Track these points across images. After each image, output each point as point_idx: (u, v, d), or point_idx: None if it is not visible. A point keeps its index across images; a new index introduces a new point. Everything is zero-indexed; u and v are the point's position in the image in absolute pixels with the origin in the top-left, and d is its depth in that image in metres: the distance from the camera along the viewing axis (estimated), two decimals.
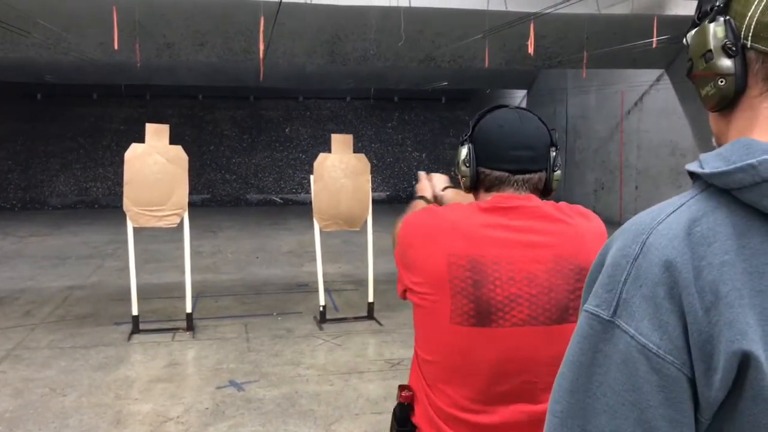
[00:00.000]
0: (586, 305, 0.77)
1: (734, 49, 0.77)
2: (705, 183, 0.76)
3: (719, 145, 0.85)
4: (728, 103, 0.80)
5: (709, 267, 0.70)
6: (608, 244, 0.79)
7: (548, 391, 1.42)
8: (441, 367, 1.47)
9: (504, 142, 1.48)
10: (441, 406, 1.47)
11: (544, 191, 1.52)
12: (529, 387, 1.43)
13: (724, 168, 0.73)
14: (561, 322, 1.40)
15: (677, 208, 0.75)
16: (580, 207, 1.54)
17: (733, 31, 0.78)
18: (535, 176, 1.49)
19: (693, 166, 0.77)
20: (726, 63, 0.78)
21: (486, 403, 1.44)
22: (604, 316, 0.74)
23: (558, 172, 1.53)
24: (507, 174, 1.47)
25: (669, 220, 0.74)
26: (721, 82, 0.78)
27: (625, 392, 0.71)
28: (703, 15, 0.83)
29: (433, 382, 1.49)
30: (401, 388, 1.56)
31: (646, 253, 0.72)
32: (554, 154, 1.51)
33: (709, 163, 0.75)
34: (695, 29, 0.84)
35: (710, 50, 0.79)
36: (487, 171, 1.49)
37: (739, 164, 0.71)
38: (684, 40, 0.90)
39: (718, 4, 0.80)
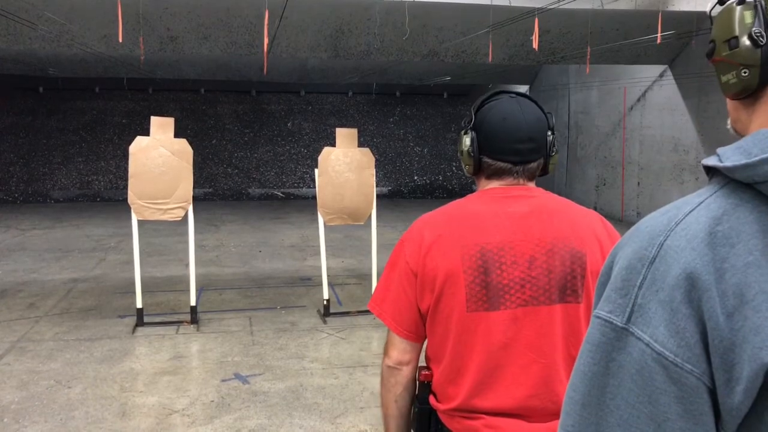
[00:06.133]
0: (597, 310, 0.72)
1: (763, 38, 0.71)
2: (725, 179, 0.70)
3: (735, 130, 0.80)
4: (750, 94, 0.74)
5: (733, 269, 0.65)
6: (620, 244, 0.74)
7: (552, 369, 1.47)
8: (452, 365, 1.52)
9: (507, 135, 1.53)
10: (452, 406, 1.52)
11: (541, 173, 1.63)
12: (536, 367, 1.49)
13: (747, 160, 0.67)
14: (560, 301, 1.49)
15: (695, 207, 0.69)
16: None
17: (763, 15, 0.71)
18: (535, 164, 1.58)
19: (711, 161, 0.71)
20: (752, 52, 0.72)
21: (493, 385, 1.49)
22: (618, 323, 0.69)
23: (555, 156, 1.62)
24: (509, 165, 1.55)
25: (687, 221, 0.69)
26: (744, 72, 0.72)
27: (641, 405, 0.66)
28: None
29: (442, 385, 1.54)
30: (421, 368, 1.60)
31: (663, 257, 0.67)
32: (551, 138, 1.60)
33: (730, 156, 0.69)
34: (722, 7, 0.77)
35: (735, 36, 0.73)
36: (491, 161, 1.57)
37: (763, 156, 0.66)
38: (708, 14, 0.84)
39: None
